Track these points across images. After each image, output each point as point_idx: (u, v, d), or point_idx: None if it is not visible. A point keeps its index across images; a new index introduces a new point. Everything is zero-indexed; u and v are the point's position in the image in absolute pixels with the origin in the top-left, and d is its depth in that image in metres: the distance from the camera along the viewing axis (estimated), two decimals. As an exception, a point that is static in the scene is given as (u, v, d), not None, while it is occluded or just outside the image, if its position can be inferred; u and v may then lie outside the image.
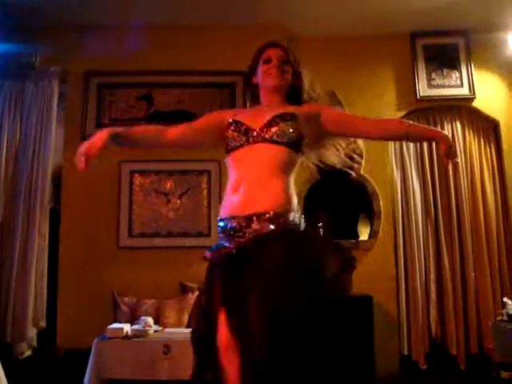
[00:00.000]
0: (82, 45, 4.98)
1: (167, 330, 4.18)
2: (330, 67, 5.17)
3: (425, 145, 5.14)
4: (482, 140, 5.26)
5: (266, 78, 2.33)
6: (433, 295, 4.93)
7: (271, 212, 2.05)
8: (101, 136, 2.12)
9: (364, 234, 5.17)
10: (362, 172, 5.11)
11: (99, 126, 4.94)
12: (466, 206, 5.04)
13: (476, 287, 4.95)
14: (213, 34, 5.06)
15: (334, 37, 5.20)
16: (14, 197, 4.73)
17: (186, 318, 4.46)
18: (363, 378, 4.43)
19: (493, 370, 4.25)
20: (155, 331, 4.02)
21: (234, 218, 2.08)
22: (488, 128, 5.31)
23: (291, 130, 2.18)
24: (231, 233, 2.08)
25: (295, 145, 2.19)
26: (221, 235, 2.15)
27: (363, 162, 5.11)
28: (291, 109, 2.27)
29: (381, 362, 4.58)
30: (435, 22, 5.12)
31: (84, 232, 4.77)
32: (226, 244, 2.11)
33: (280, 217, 2.06)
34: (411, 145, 5.17)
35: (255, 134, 2.18)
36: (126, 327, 3.93)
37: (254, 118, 2.25)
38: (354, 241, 5.07)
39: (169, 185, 4.89)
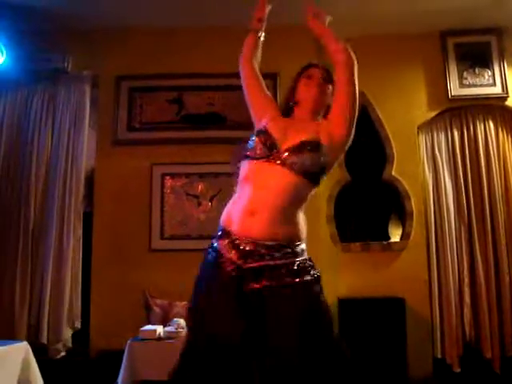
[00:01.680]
0: (113, 48, 5.05)
1: (199, 331, 4.20)
2: (359, 67, 5.12)
3: (457, 144, 5.08)
4: (516, 139, 5.18)
5: (305, 92, 2.34)
6: (466, 297, 4.86)
7: (290, 245, 2.07)
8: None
9: (395, 235, 5.12)
10: (393, 172, 5.06)
11: (130, 129, 5.00)
12: (499, 206, 4.95)
13: (511, 289, 4.86)
14: (242, 36, 5.05)
15: (363, 37, 5.14)
16: (48, 200, 4.80)
17: (217, 320, 4.47)
18: (396, 382, 4.41)
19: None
20: (187, 333, 4.04)
21: (250, 242, 2.06)
22: (522, 127, 5.21)
23: (311, 163, 2.13)
24: (245, 254, 2.06)
25: (313, 177, 2.16)
26: (222, 245, 2.13)
27: (394, 162, 5.07)
28: (318, 133, 2.22)
29: (414, 365, 4.53)
30: (467, 20, 5.04)
31: (116, 234, 4.83)
32: (230, 256, 2.08)
33: (295, 248, 2.08)
34: (443, 144, 5.12)
35: (278, 152, 2.14)
36: (159, 329, 3.96)
37: (284, 132, 2.22)
38: (385, 242, 5.03)
39: (200, 187, 4.91)
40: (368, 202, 5.12)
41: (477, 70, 5.20)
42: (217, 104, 5.04)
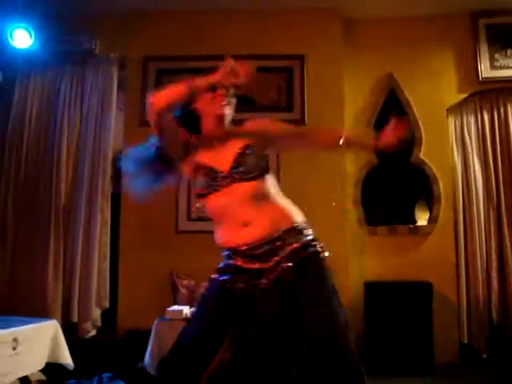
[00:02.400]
0: (141, 30, 5.05)
1: (225, 312, 4.22)
2: (387, 49, 5.09)
3: (487, 127, 5.00)
4: (548, 123, 5.07)
5: (212, 106, 2.29)
6: (494, 282, 4.81)
7: (291, 226, 2.15)
8: None
9: (422, 219, 5.08)
10: (421, 155, 5.01)
11: (158, 111, 4.99)
12: (529, 191, 4.89)
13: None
14: (270, 18, 5.04)
15: (391, 18, 5.10)
16: (77, 182, 4.85)
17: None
18: (422, 367, 4.40)
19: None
20: (213, 314, 4.06)
21: (258, 246, 2.10)
22: (555, 110, 5.10)
23: (257, 162, 2.19)
24: (258, 257, 2.11)
25: (264, 168, 2.21)
26: (240, 261, 2.16)
27: (423, 145, 5.01)
28: (241, 138, 2.24)
29: (440, 350, 4.52)
30: (498, 1, 4.94)
31: (144, 216, 4.85)
32: (246, 264, 2.14)
33: (298, 227, 2.16)
34: (472, 128, 5.04)
35: (225, 176, 2.15)
36: (186, 309, 3.99)
37: (216, 156, 2.20)
38: (411, 226, 4.99)
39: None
40: (395, 185, 5.07)
41: (508, 52, 5.10)
42: (244, 86, 5.00)
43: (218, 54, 4.99)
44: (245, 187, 2.14)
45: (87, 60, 5.05)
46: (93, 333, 4.69)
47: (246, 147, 2.20)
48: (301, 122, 4.84)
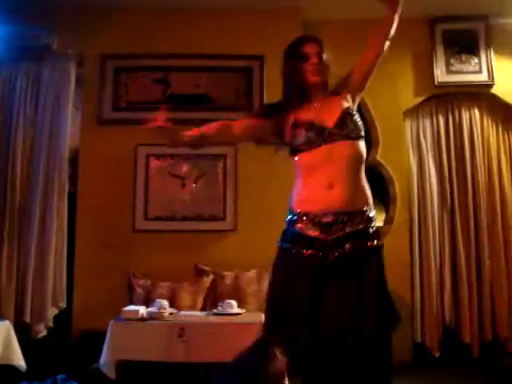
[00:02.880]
0: (99, 28, 4.98)
1: (182, 312, 4.22)
2: (345, 51, 5.08)
3: (442, 130, 5.11)
4: (500, 127, 5.20)
5: (311, 77, 2.39)
6: (447, 282, 4.91)
7: (366, 209, 2.27)
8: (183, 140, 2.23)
9: (378, 220, 5.14)
10: (377, 157, 5.08)
11: (116, 109, 4.95)
12: (482, 192, 5.00)
13: (491, 275, 4.92)
14: (230, 18, 5.04)
15: (351, 20, 5.14)
16: (32, 181, 4.75)
17: (200, 301, 4.50)
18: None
19: (506, 358, 4.25)
20: (170, 314, 4.05)
21: (333, 213, 2.21)
22: (507, 115, 5.23)
23: (361, 123, 2.34)
24: (328, 226, 2.21)
25: (362, 135, 2.34)
26: (303, 226, 2.25)
27: (379, 147, 5.08)
28: (342, 100, 2.39)
29: (393, 348, 4.57)
30: (455, 7, 5.04)
31: (101, 215, 4.80)
32: (312, 232, 2.23)
33: (369, 213, 2.29)
34: (428, 130, 5.14)
35: (331, 132, 2.27)
36: (142, 309, 3.96)
37: (321, 114, 2.33)
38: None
39: (185, 168, 4.90)
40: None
41: (463, 57, 5.21)
42: (203, 85, 5.01)
43: (177, 53, 5.03)
44: (345, 145, 2.27)
45: (44, 56, 4.95)
46: (44, 333, 4.61)
47: (348, 109, 2.35)
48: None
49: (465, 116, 5.11)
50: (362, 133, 2.33)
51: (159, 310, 3.95)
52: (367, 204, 2.28)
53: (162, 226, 4.82)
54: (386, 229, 5.00)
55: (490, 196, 5.03)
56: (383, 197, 5.14)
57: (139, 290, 4.50)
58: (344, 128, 2.28)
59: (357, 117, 2.35)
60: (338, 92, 2.45)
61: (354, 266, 2.20)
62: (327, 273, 2.20)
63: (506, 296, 4.85)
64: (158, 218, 4.83)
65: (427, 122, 5.18)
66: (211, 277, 4.61)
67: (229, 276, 4.58)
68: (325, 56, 2.42)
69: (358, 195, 2.26)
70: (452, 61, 5.19)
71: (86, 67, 5.06)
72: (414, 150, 5.15)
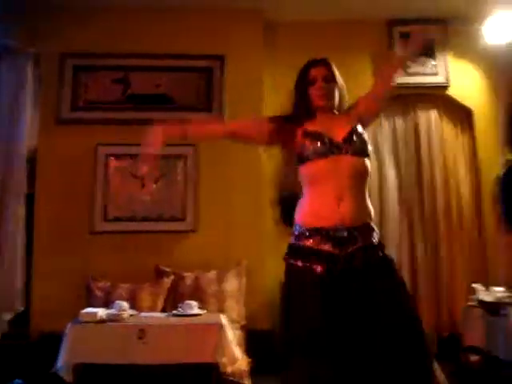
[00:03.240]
0: (59, 27, 4.92)
1: (142, 314, 4.16)
2: (307, 52, 5.14)
3: (399, 131, 5.22)
4: (456, 128, 5.33)
5: (318, 101, 2.40)
6: (406, 280, 4.98)
7: (371, 222, 2.30)
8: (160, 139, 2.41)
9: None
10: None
11: (74, 108, 4.90)
12: (439, 192, 5.11)
13: (448, 272, 5.03)
14: (191, 17, 5.04)
15: (312, 22, 5.20)
16: (-12, 181, 4.67)
17: (161, 303, 4.47)
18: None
19: (462, 353, 4.34)
20: (130, 315, 4.01)
21: (346, 228, 2.21)
22: (462, 116, 5.36)
23: (369, 142, 2.37)
24: (342, 241, 2.21)
25: (368, 153, 2.35)
26: (315, 241, 2.24)
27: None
28: (352, 119, 2.41)
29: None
30: (412, 10, 5.13)
31: (59, 216, 4.74)
32: (325, 247, 2.22)
33: (374, 226, 2.31)
34: (386, 131, 5.23)
35: (338, 145, 2.29)
36: (101, 311, 3.90)
37: (330, 128, 2.34)
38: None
39: (144, 169, 4.86)
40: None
41: (421, 60, 5.30)
42: (163, 85, 4.99)
43: (137, 53, 5.00)
44: (352, 160, 2.28)
45: (2, 55, 4.86)
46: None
47: (357, 127, 2.37)
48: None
49: (422, 117, 5.22)
50: (369, 151, 2.36)
51: (119, 311, 3.90)
52: (371, 218, 2.32)
53: (121, 227, 4.78)
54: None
55: (447, 195, 5.15)
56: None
57: (98, 292, 4.46)
58: (352, 144, 2.29)
59: (365, 136, 2.38)
60: (348, 113, 2.47)
61: (369, 278, 2.21)
62: (342, 287, 2.19)
63: (463, 292, 4.95)
64: (117, 219, 4.79)
65: (385, 123, 5.27)
66: (172, 278, 4.59)
67: (189, 277, 4.56)
68: (334, 81, 2.44)
69: (364, 210, 2.29)
70: (409, 62, 5.26)
71: (44, 66, 4.97)
72: (373, 151, 5.20)
